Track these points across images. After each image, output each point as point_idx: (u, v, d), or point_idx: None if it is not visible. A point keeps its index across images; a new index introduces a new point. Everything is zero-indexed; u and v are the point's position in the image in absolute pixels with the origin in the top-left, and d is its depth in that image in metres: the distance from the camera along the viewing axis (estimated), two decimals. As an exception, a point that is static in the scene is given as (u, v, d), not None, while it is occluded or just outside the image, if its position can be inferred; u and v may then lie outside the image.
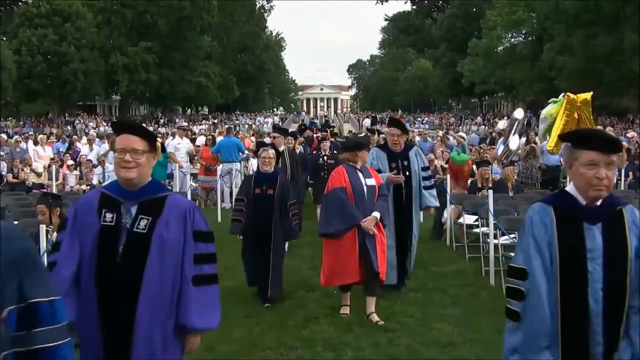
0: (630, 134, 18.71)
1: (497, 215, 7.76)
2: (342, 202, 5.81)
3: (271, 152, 6.86)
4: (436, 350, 5.23)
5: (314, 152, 12.20)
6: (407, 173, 6.89)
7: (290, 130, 14.22)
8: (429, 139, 18.12)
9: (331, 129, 17.56)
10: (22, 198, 11.04)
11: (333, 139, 14.24)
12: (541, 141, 10.56)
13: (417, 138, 20.45)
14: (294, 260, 8.64)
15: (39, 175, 14.68)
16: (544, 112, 8.17)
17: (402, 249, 6.91)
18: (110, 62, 44.44)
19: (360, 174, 5.97)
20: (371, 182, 5.98)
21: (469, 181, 10.38)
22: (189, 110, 61.32)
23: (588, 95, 8.60)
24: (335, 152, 11.37)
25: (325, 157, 11.02)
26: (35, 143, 17.21)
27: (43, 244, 4.96)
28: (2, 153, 16.96)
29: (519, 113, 11.67)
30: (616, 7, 30.27)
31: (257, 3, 63.83)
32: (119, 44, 45.22)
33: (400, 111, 63.76)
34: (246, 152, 14.81)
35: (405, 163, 6.96)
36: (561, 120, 8.04)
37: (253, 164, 13.14)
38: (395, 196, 6.84)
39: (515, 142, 11.28)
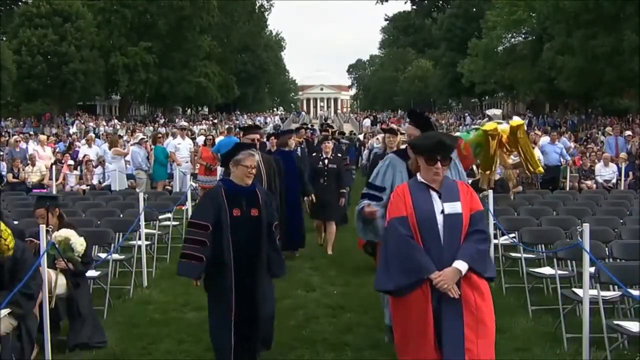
0: (626, 133, 18.70)
1: (497, 215, 7.76)
2: (403, 242, 3.67)
3: (257, 157, 5.12)
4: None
5: (314, 154, 10.60)
6: None
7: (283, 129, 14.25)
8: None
9: (330, 128, 16.91)
10: (22, 198, 11.05)
11: (335, 140, 13.35)
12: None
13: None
14: (293, 260, 8.65)
15: (44, 174, 14.68)
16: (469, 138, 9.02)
17: None
18: (110, 62, 44.38)
19: (433, 195, 3.76)
20: (453, 207, 3.73)
21: (470, 181, 10.34)
22: (189, 110, 61.28)
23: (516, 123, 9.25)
24: (339, 154, 10.54)
25: (326, 161, 9.60)
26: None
27: (43, 244, 4.96)
28: (2, 153, 16.96)
29: (492, 112, 11.57)
30: (616, 7, 30.22)
31: (257, 3, 63.79)
32: (119, 44, 45.16)
33: (400, 111, 63.79)
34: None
35: None
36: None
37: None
38: None
39: None
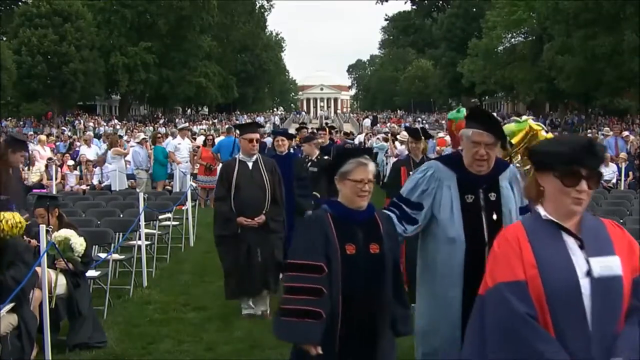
0: (625, 133, 18.69)
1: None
2: (518, 326, 2.23)
3: (371, 167, 3.43)
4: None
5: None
6: (495, 216, 3.59)
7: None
8: (430, 139, 17.97)
9: (332, 129, 16.27)
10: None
11: (332, 139, 12.69)
12: None
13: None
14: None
15: (43, 174, 14.68)
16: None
17: None
18: (110, 62, 44.42)
19: (570, 243, 2.32)
20: (607, 266, 2.28)
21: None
22: (189, 110, 61.30)
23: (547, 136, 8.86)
24: (326, 157, 8.47)
25: (309, 164, 8.01)
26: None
27: (43, 244, 4.95)
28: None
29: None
30: (616, 7, 30.25)
31: (257, 3, 63.82)
32: (119, 44, 45.19)
33: (400, 111, 63.83)
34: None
35: (493, 197, 3.63)
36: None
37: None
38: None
39: None
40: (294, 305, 3.08)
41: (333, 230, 3.15)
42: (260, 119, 49.40)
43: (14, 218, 4.74)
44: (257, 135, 6.37)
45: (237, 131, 7.78)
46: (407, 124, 45.06)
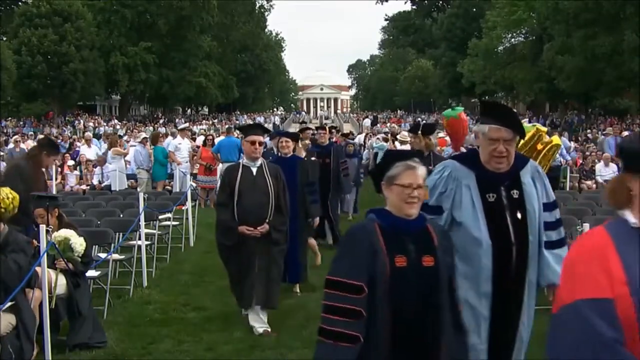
0: (624, 134, 18.71)
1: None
2: (599, 348, 1.76)
3: (421, 171, 3.15)
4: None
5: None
6: (519, 215, 3.47)
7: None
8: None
9: (334, 129, 15.90)
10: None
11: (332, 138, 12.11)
12: None
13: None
14: (292, 299, 8.58)
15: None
16: None
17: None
18: (110, 62, 44.42)
19: None
20: None
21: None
22: (189, 110, 61.31)
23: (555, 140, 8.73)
24: (313, 158, 8.66)
25: None
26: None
27: (43, 244, 4.95)
28: (1, 153, 16.96)
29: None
30: (616, 7, 30.24)
31: (257, 3, 63.83)
32: (119, 44, 45.19)
33: (400, 111, 63.82)
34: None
35: (515, 194, 3.48)
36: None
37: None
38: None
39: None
40: (331, 326, 2.83)
41: (382, 241, 2.85)
42: (260, 119, 49.35)
43: (11, 193, 4.96)
44: (261, 138, 5.90)
45: (237, 133, 7.61)
46: (407, 124, 45.15)
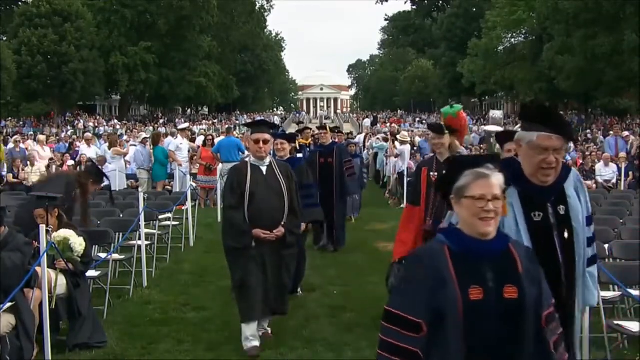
0: (624, 133, 18.71)
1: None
2: None
3: (496, 179, 2.77)
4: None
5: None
6: (566, 235, 3.10)
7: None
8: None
9: (337, 129, 15.61)
10: (22, 198, 11.04)
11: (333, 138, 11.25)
12: None
13: (418, 138, 20.45)
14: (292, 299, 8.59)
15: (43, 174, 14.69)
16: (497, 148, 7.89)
17: None
18: (110, 62, 44.44)
19: None
20: None
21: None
22: (189, 110, 61.32)
23: None
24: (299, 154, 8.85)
25: None
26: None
27: (43, 244, 4.95)
28: (2, 153, 16.94)
29: (493, 113, 11.21)
30: (616, 7, 30.25)
31: (257, 3, 63.85)
32: (119, 44, 45.20)
33: (400, 111, 63.82)
34: (246, 152, 14.82)
35: (562, 210, 3.12)
36: None
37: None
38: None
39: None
40: None
41: (452, 270, 2.38)
42: (260, 119, 49.28)
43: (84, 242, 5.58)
44: (266, 136, 5.36)
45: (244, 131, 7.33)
46: (407, 124, 45.14)
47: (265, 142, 5.35)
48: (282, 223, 5.30)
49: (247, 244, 5.20)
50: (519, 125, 3.62)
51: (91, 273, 6.16)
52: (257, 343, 5.28)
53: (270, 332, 5.69)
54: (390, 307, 2.46)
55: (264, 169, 5.36)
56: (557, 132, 2.98)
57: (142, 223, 7.60)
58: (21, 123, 39.00)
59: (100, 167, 15.24)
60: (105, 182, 14.22)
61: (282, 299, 5.49)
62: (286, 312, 5.62)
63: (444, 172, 2.65)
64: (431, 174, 5.35)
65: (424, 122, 49.40)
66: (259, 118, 48.95)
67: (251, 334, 5.26)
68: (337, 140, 12.64)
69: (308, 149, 12.20)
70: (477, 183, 2.40)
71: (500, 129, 10.83)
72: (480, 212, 2.36)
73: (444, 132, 5.54)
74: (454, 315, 2.32)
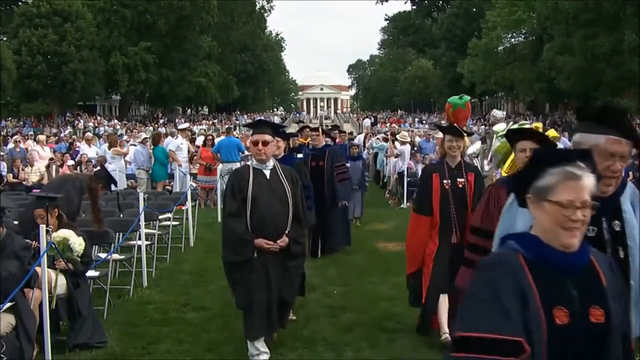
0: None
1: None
2: None
3: (587, 181, 2.21)
4: (436, 351, 5.22)
5: None
6: (621, 254, 2.80)
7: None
8: (431, 139, 18.13)
9: (338, 128, 15.27)
10: (22, 198, 11.04)
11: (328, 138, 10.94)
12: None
13: (418, 138, 20.44)
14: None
15: (43, 174, 14.69)
16: (494, 148, 7.37)
17: None
18: (110, 62, 44.46)
19: None
20: None
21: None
22: (189, 110, 61.34)
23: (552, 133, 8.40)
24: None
25: None
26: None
27: (43, 244, 4.95)
28: (2, 153, 16.96)
29: (495, 113, 11.09)
30: (616, 7, 30.27)
31: (257, 3, 63.90)
32: (119, 44, 45.22)
33: (400, 111, 63.83)
34: (246, 151, 14.81)
35: (617, 226, 2.83)
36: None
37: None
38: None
39: (473, 147, 10.14)
40: None
41: (532, 284, 1.95)
42: (260, 119, 49.24)
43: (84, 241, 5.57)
44: (266, 137, 4.92)
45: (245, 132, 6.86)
46: (407, 124, 45.12)
47: (265, 143, 4.91)
48: (286, 232, 4.89)
49: (249, 255, 4.79)
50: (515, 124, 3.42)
51: (91, 273, 6.16)
52: (266, 357, 5.00)
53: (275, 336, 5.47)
54: (470, 332, 1.89)
55: (267, 172, 4.96)
56: (628, 137, 2.68)
57: (142, 223, 7.59)
58: (21, 123, 39.01)
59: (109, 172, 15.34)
60: (114, 188, 14.30)
61: (282, 315, 5.15)
62: (285, 326, 5.38)
63: (524, 167, 2.19)
64: (444, 181, 5.12)
65: (424, 122, 49.44)
66: (259, 119, 49.01)
67: (257, 351, 4.95)
68: (338, 141, 12.42)
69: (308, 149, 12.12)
70: (565, 185, 1.97)
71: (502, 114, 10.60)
72: (566, 221, 1.96)
73: (463, 135, 5.24)
74: (537, 340, 1.91)
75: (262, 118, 45.91)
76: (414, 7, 73.00)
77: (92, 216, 6.83)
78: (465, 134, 5.34)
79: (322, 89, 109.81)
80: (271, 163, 5.01)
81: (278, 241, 4.83)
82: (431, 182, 5.23)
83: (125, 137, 21.91)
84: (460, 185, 5.19)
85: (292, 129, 37.70)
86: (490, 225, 3.32)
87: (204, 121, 46.98)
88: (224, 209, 5.03)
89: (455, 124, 9.07)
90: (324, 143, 9.54)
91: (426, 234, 5.24)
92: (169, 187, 14.44)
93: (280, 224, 4.88)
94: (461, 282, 3.82)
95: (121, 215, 8.65)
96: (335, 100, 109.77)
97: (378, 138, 19.64)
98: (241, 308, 5.01)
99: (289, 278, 5.00)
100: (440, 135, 17.47)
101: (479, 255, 3.31)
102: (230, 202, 4.89)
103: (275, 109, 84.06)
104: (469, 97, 8.90)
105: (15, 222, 6.75)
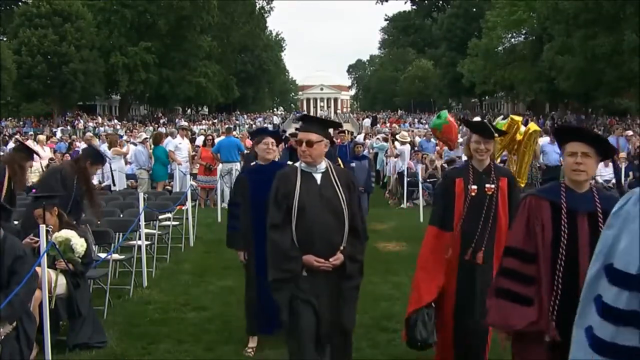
0: (628, 133, 18.68)
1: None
2: None
3: None
4: (436, 351, 5.21)
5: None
6: None
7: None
8: (432, 139, 18.15)
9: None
10: (22, 198, 11.04)
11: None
12: None
13: (418, 138, 20.42)
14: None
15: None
16: None
17: None
18: (110, 62, 44.46)
19: None
20: None
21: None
22: (189, 110, 61.35)
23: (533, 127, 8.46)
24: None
25: None
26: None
27: (43, 244, 4.95)
28: (1, 153, 16.96)
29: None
30: (616, 7, 30.28)
31: (257, 4, 63.90)
32: (119, 44, 45.23)
33: (400, 111, 63.84)
34: (246, 151, 14.81)
35: None
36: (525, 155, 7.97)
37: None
38: None
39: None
40: None
41: None
42: (260, 119, 49.34)
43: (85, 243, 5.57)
44: (311, 136, 4.10)
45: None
46: (407, 124, 45.13)
47: (310, 143, 4.08)
48: (342, 248, 4.08)
49: (295, 271, 3.98)
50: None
51: (91, 273, 6.15)
52: None
53: None
54: None
55: (317, 177, 4.12)
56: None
57: (142, 223, 7.59)
58: (21, 123, 39.01)
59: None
60: (107, 182, 14.25)
61: (345, 344, 4.21)
62: (351, 359, 4.34)
63: None
64: (470, 187, 4.31)
65: (423, 122, 49.43)
66: (259, 119, 48.74)
67: None
68: (340, 141, 12.16)
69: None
70: None
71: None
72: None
73: (493, 136, 4.39)
74: None
75: (257, 123, 45.29)
76: (414, 7, 73.02)
77: (86, 197, 6.73)
78: (496, 134, 4.46)
79: (322, 89, 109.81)
80: (323, 165, 4.16)
81: (331, 259, 4.01)
82: (454, 188, 4.40)
83: (124, 137, 21.90)
84: (490, 192, 4.32)
85: (293, 129, 37.75)
86: (533, 247, 3.01)
87: (204, 121, 46.97)
88: (267, 220, 4.12)
89: (450, 142, 8.80)
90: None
91: (445, 252, 4.39)
92: (169, 187, 14.44)
93: (333, 238, 4.05)
94: (496, 320, 3.16)
95: (120, 215, 8.65)
96: (335, 100, 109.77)
97: (378, 138, 19.63)
98: (287, 331, 4.12)
99: (345, 303, 4.11)
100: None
101: (516, 283, 2.97)
102: (274, 212, 4.08)
103: (275, 109, 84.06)
104: (446, 111, 8.80)
105: (16, 222, 6.76)
